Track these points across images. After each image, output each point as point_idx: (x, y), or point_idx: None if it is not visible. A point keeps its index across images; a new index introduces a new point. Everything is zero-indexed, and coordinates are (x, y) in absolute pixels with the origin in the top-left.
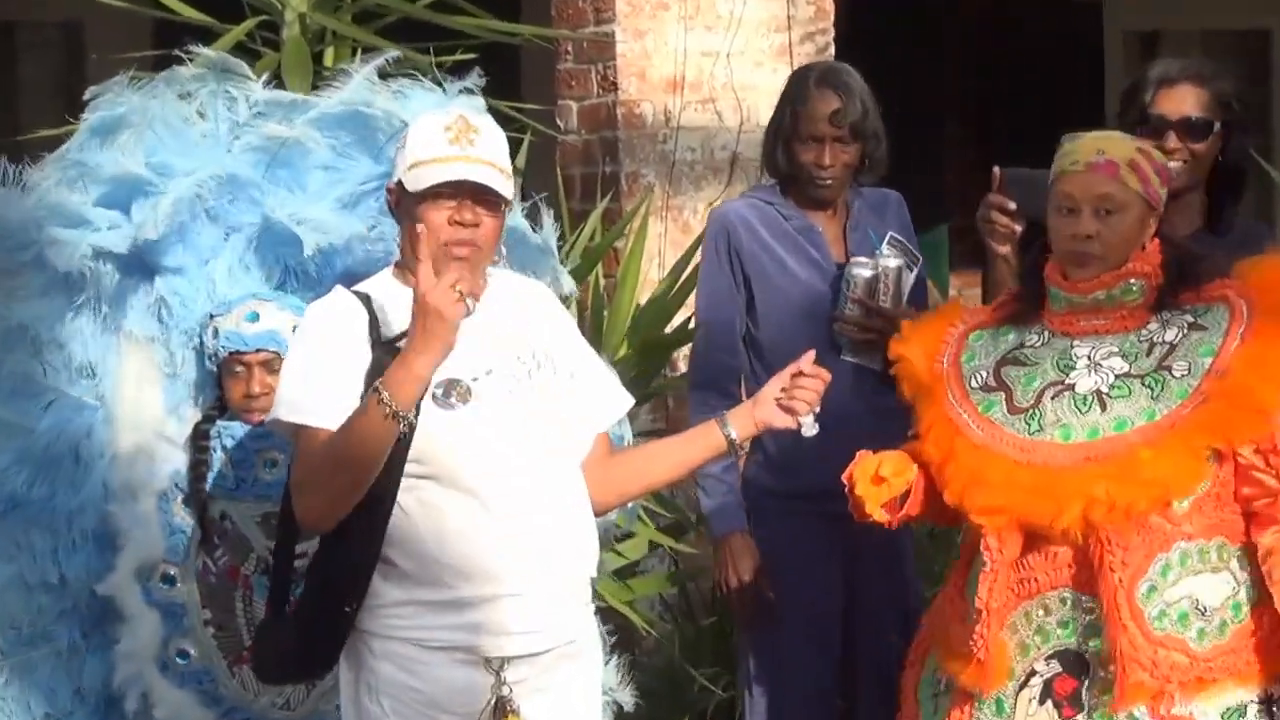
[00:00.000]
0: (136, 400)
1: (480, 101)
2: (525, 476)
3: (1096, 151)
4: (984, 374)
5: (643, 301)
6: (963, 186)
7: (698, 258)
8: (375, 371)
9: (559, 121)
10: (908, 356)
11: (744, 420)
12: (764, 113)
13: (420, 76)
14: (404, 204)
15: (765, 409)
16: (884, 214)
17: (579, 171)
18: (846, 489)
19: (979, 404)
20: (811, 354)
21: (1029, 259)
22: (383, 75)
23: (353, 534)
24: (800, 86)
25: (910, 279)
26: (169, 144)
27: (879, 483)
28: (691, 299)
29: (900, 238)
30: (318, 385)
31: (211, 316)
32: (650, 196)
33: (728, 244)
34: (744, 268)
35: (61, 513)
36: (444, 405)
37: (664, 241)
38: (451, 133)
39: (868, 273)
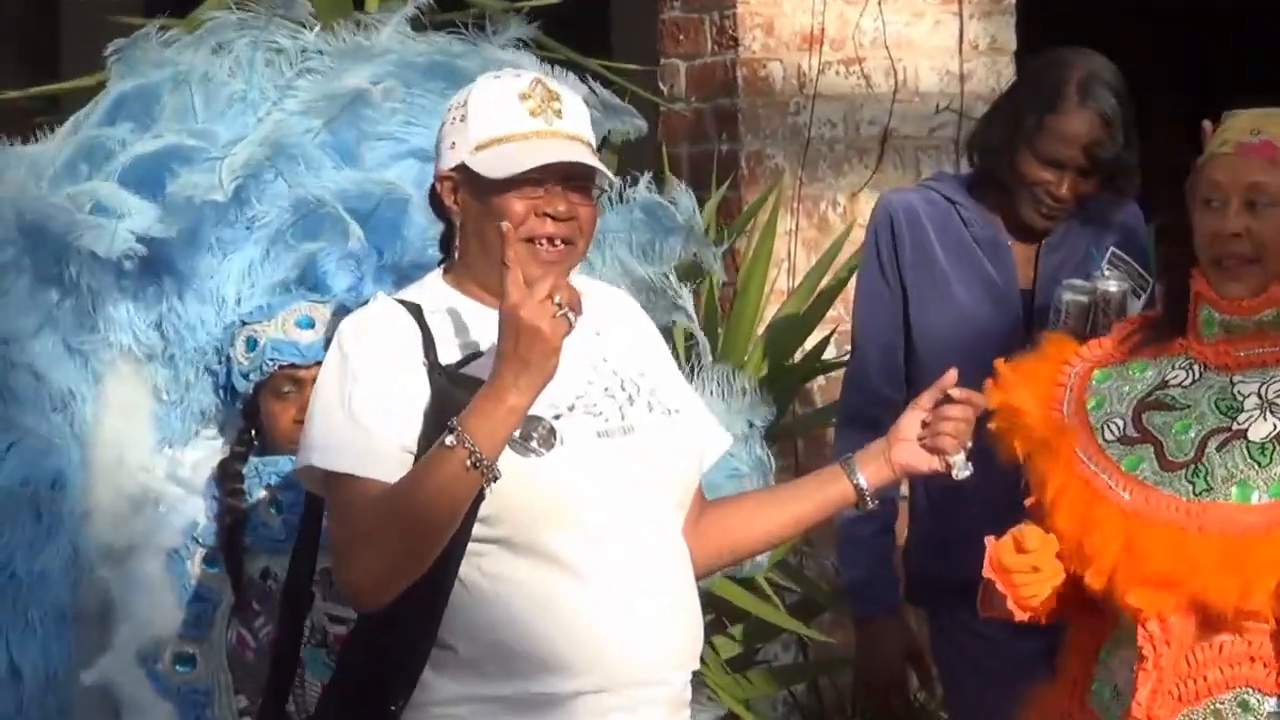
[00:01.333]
0: (120, 435)
1: (531, 59)
2: (621, 542)
3: (1251, 130)
4: (1120, 423)
5: (769, 317)
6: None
7: (840, 261)
8: (439, 408)
9: (662, 86)
10: (1016, 405)
11: (877, 463)
12: (924, 77)
13: (462, 28)
14: (468, 193)
15: (904, 449)
16: (1106, 228)
17: (687, 150)
18: (995, 581)
19: (1120, 460)
20: (954, 374)
21: (1171, 274)
22: (417, 26)
23: (401, 613)
24: (1055, 91)
25: (1137, 307)
26: (203, 110)
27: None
28: (832, 314)
29: (1123, 254)
30: (366, 423)
31: (243, 323)
32: (779, 184)
33: (891, 242)
34: (903, 277)
35: (14, 585)
36: (523, 451)
37: (795, 241)
38: (531, 101)
39: (1082, 298)
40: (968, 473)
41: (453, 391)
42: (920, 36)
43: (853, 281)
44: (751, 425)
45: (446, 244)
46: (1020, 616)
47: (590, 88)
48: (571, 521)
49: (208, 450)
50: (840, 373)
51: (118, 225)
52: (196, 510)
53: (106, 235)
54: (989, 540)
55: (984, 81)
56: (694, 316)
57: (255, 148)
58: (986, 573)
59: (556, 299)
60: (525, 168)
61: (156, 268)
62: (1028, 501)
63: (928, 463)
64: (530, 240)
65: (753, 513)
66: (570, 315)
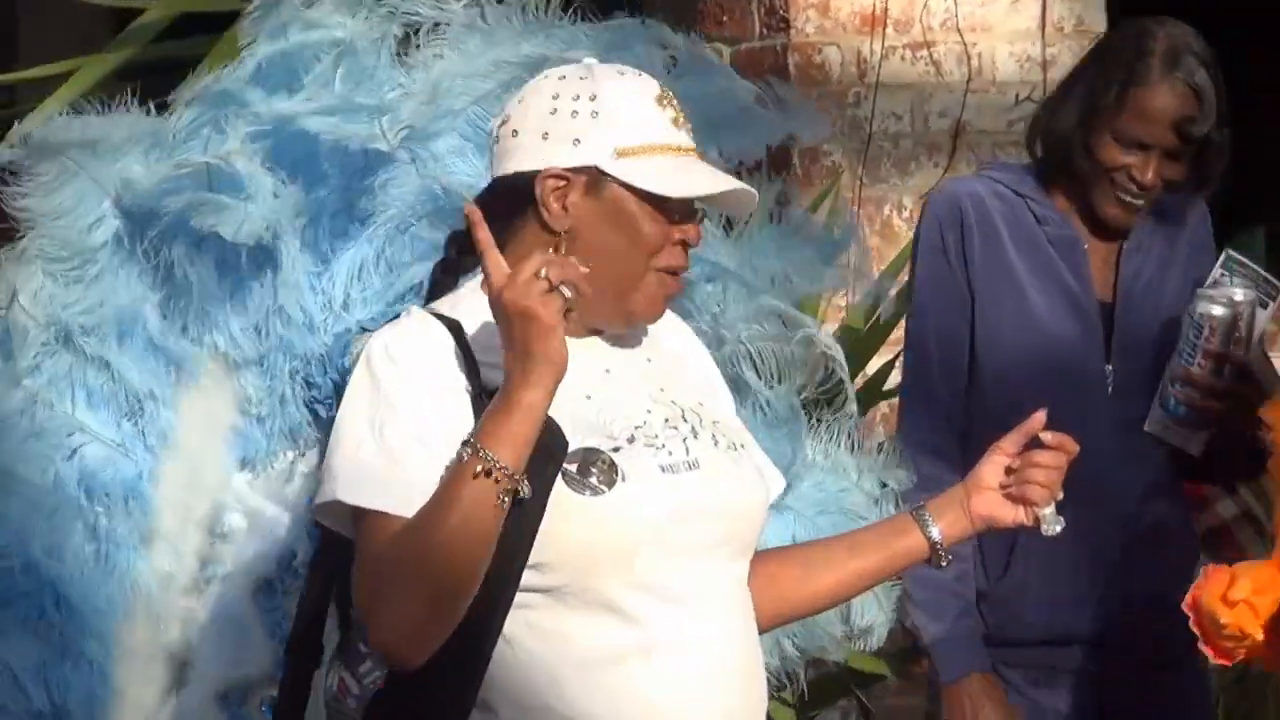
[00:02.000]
0: (198, 450)
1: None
2: (689, 595)
3: None
4: None
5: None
6: None
7: (907, 272)
8: None
9: (754, 89)
10: None
11: (954, 514)
12: (1002, 65)
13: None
14: (592, 200)
15: (985, 499)
16: (1179, 230)
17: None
18: (1191, 619)
19: None
20: (1042, 416)
21: None
22: None
23: (438, 671)
24: (1137, 62)
25: (1264, 318)
26: (340, 84)
27: (1231, 606)
28: (897, 335)
29: (1240, 257)
30: (401, 456)
31: (364, 329)
32: (836, 184)
33: (959, 237)
34: (970, 280)
35: (63, 613)
36: (581, 487)
37: (855, 249)
38: (670, 110)
39: (1221, 311)
40: (1059, 527)
41: None
42: (997, 18)
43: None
44: (884, 487)
45: (466, 242)
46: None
47: (767, 82)
48: (635, 569)
49: (290, 478)
50: None
51: (246, 208)
52: (296, 537)
53: (235, 216)
54: (1204, 569)
55: (1069, 68)
56: (838, 353)
57: (420, 104)
58: (1186, 608)
59: (543, 272)
60: (701, 191)
61: (263, 259)
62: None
63: (1013, 515)
64: (662, 271)
65: (806, 567)
66: (565, 289)
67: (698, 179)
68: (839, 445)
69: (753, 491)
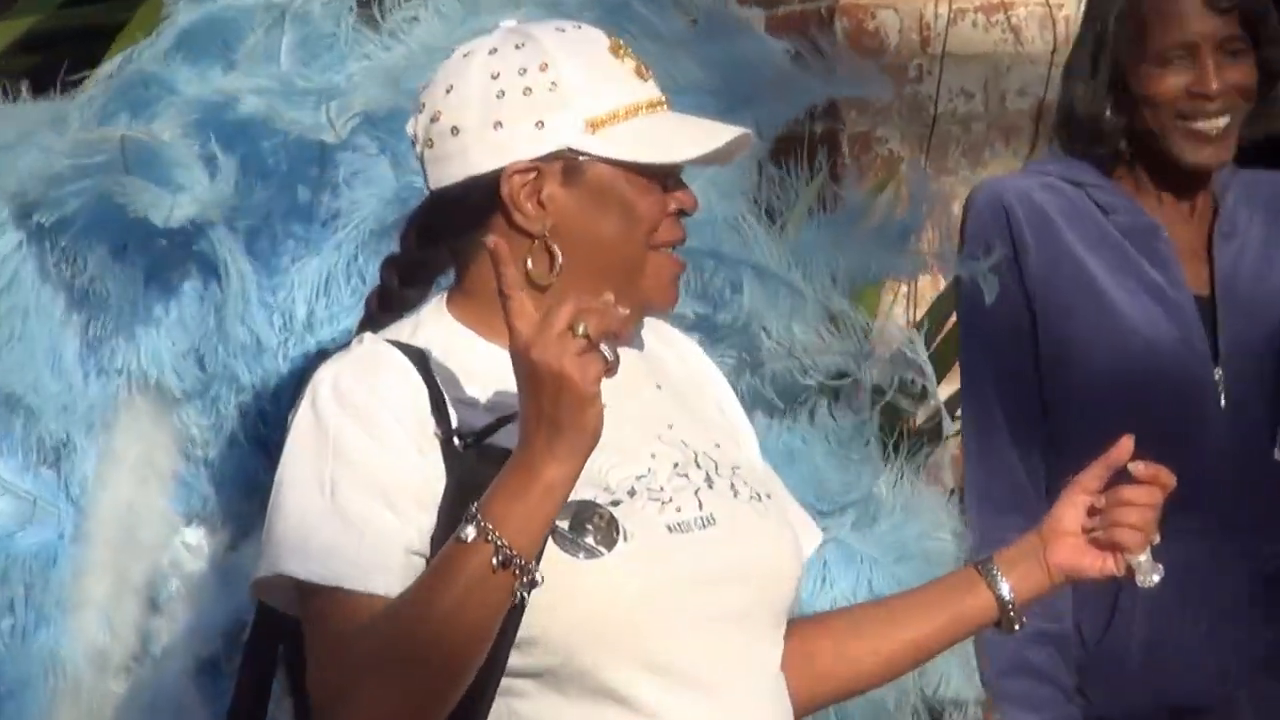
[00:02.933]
0: (132, 502)
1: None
2: (707, 679)
3: None
4: None
5: (885, 358)
6: None
7: None
8: (459, 494)
9: (789, 49)
10: None
11: (1026, 567)
12: None
13: None
14: (571, 190)
15: (1065, 547)
16: (1277, 207)
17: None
18: None
19: None
20: (1129, 444)
21: None
22: None
23: None
24: None
25: None
26: (288, 56)
27: None
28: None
29: None
30: (358, 518)
31: (322, 354)
32: (895, 178)
33: (1010, 245)
34: (1028, 291)
35: None
36: (575, 548)
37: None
38: (629, 60)
39: None
40: (1157, 577)
41: (479, 471)
42: None
43: None
44: (956, 537)
45: (411, 268)
46: None
47: (813, 39)
48: (643, 647)
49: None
50: None
51: (174, 198)
52: (244, 606)
53: (163, 199)
54: None
55: None
56: (920, 355)
57: (377, 88)
58: None
59: (581, 328)
60: (699, 150)
61: (201, 269)
62: None
63: (1100, 565)
64: (656, 248)
65: (850, 637)
66: (606, 349)
67: (689, 137)
68: (917, 476)
69: (782, 549)
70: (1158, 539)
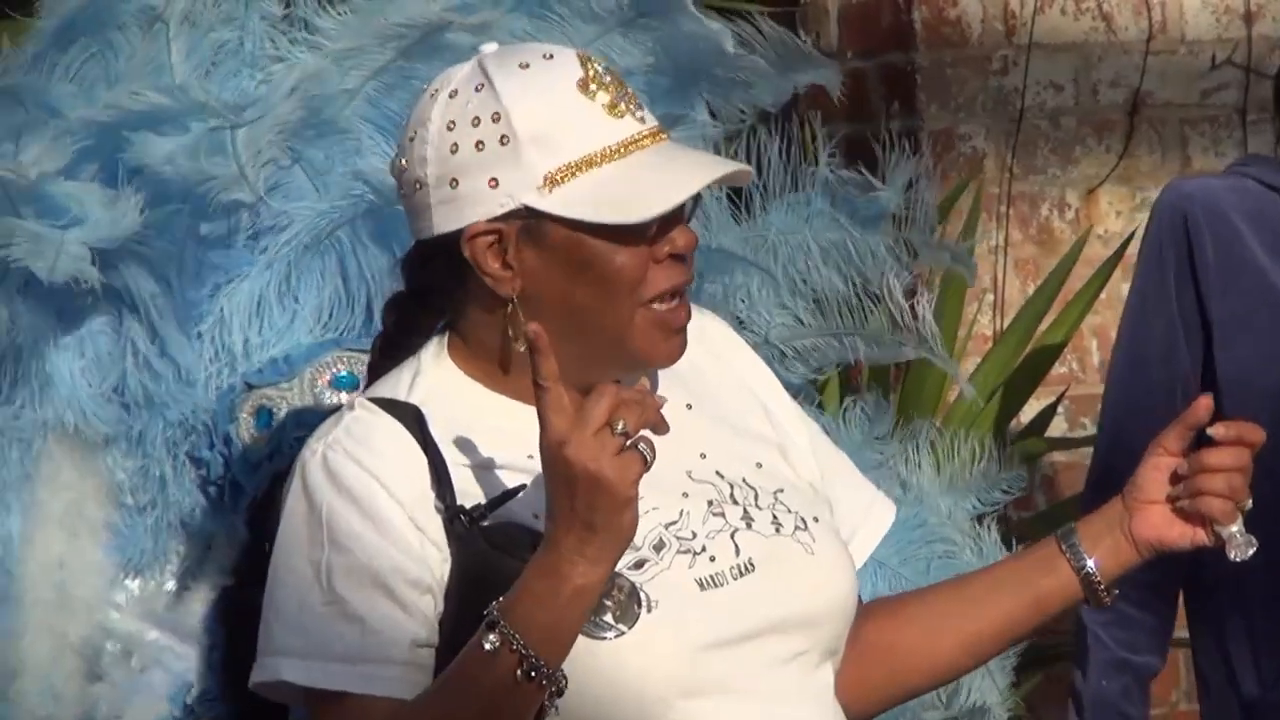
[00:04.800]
0: (61, 560)
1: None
2: None
3: None
4: None
5: (966, 374)
6: None
7: (1071, 289)
8: (469, 579)
9: (802, 34)
10: None
11: (1111, 539)
12: (1193, 17)
13: None
14: (537, 250)
15: (1150, 517)
16: None
17: (842, 129)
18: None
19: None
20: (1208, 402)
21: None
22: None
23: None
24: None
25: None
26: (182, 64)
27: None
28: (1060, 371)
29: None
30: (359, 611)
31: (249, 387)
32: (979, 177)
33: (1187, 253)
34: (1203, 303)
35: None
36: (593, 628)
37: (1003, 261)
38: (602, 93)
39: None
40: (1253, 548)
41: (488, 556)
42: None
43: (1091, 322)
44: (981, 520)
45: (399, 309)
46: None
47: (756, 27)
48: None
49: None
50: (1075, 456)
51: (64, 236)
52: (188, 666)
53: (48, 249)
54: None
55: None
56: (940, 349)
57: (287, 109)
58: None
59: (620, 425)
60: (672, 203)
61: (117, 301)
62: None
63: (1189, 535)
64: (652, 302)
65: (932, 623)
66: (645, 448)
67: (663, 186)
68: (918, 463)
69: (834, 588)
70: (1249, 505)
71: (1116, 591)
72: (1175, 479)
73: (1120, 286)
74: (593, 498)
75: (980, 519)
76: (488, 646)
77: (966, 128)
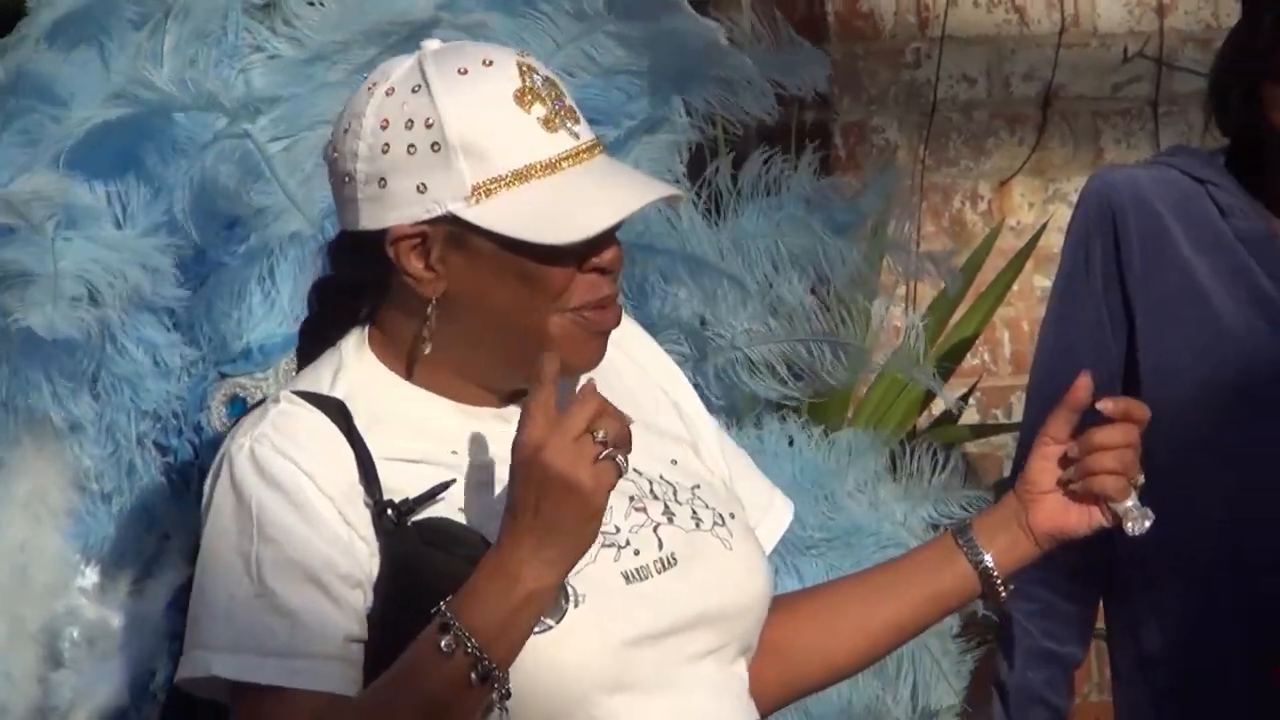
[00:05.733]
0: (24, 544)
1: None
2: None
3: None
4: None
5: (878, 368)
6: None
7: (983, 281)
8: (398, 573)
9: (722, 27)
10: None
11: (1008, 534)
12: (1105, 10)
13: None
14: (462, 257)
15: (1046, 506)
16: None
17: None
18: None
19: None
20: (1087, 381)
21: None
22: None
23: None
24: None
25: None
26: (170, 56)
27: None
28: (972, 364)
29: None
30: (290, 604)
31: (222, 375)
32: (891, 170)
33: (1113, 245)
34: (1127, 297)
35: None
36: None
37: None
38: (538, 105)
39: None
40: (1149, 521)
41: (419, 551)
42: None
43: (1003, 314)
44: (935, 520)
45: (324, 295)
46: None
47: (752, 19)
48: (596, 714)
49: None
50: (987, 447)
51: (60, 280)
52: (151, 653)
53: (42, 293)
54: None
55: (1194, 14)
56: (925, 364)
57: (281, 81)
58: None
59: (600, 433)
60: (596, 228)
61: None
62: None
63: (1086, 520)
64: (580, 309)
65: (829, 620)
66: (621, 457)
67: (589, 208)
68: (876, 471)
69: (751, 582)
70: (1142, 479)
71: (1012, 587)
72: (1065, 463)
73: (1033, 278)
74: (563, 503)
75: (935, 527)
76: (444, 646)
77: (879, 120)
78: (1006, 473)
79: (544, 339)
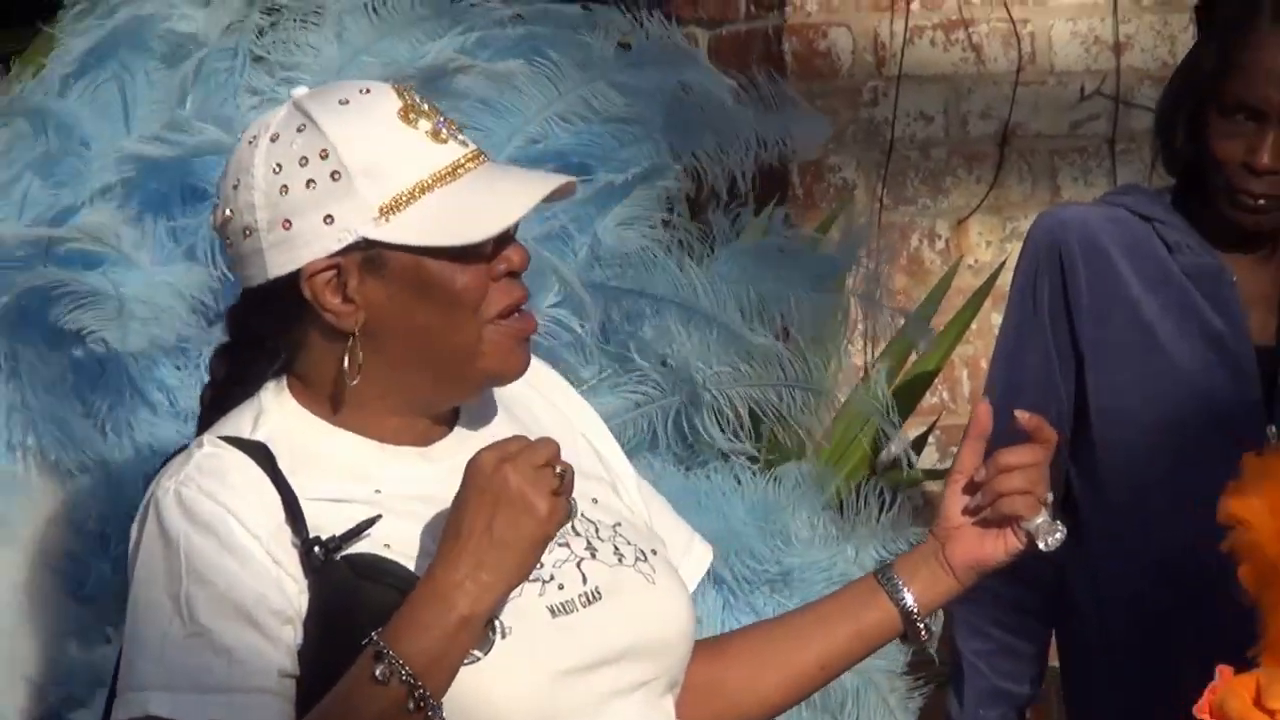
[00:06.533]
0: (25, 593)
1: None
2: None
3: None
4: None
5: (835, 408)
6: None
7: (942, 320)
8: (329, 609)
9: (732, 84)
10: (1245, 516)
11: (928, 571)
12: (1061, 48)
13: None
14: (377, 281)
15: (961, 540)
16: None
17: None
18: None
19: None
20: (986, 410)
21: None
22: None
23: None
24: (1246, 14)
25: None
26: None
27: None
28: (930, 402)
29: None
30: (223, 641)
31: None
32: (848, 209)
33: (1061, 283)
34: (1075, 335)
35: None
36: None
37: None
38: (424, 121)
39: None
40: (1060, 534)
41: (351, 581)
42: None
43: (962, 352)
44: (883, 558)
45: (231, 359)
46: None
47: (751, 77)
48: None
49: None
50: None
51: (125, 301)
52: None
53: (108, 309)
54: (1220, 670)
55: (1150, 52)
56: (889, 409)
57: None
58: (1199, 713)
59: (560, 469)
60: (507, 221)
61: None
62: (1250, 652)
63: (1002, 547)
64: (499, 318)
65: (756, 659)
66: (574, 500)
67: (495, 204)
68: (825, 506)
69: (676, 616)
70: (1051, 497)
71: (933, 629)
72: (973, 490)
73: (991, 316)
74: (517, 522)
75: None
76: (378, 676)
77: (837, 158)
78: None
79: (472, 352)
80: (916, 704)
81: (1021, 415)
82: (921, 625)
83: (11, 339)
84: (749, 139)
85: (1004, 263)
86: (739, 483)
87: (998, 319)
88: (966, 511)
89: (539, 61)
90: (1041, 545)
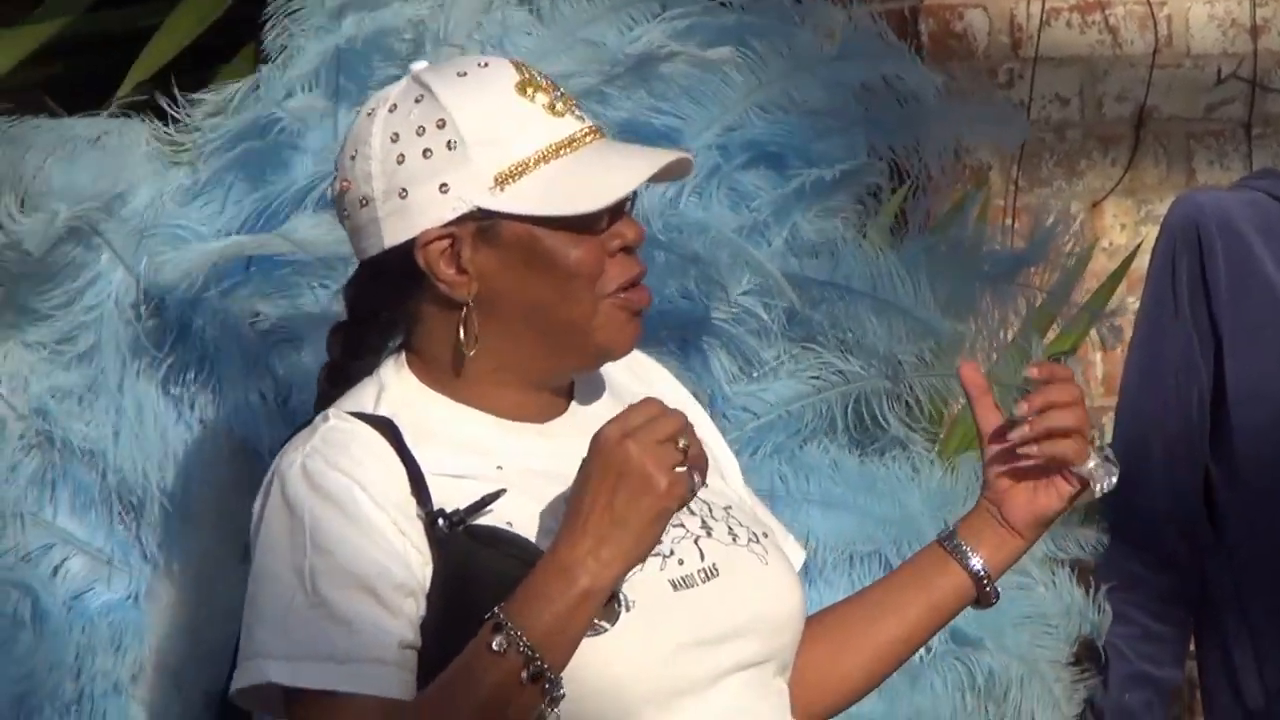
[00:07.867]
0: (205, 561)
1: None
2: None
3: None
4: None
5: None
6: None
7: (1076, 301)
8: (453, 579)
9: (939, 80)
10: None
11: (991, 533)
12: (1199, 31)
13: None
14: (491, 251)
15: (1018, 499)
16: None
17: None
18: None
19: None
20: (972, 364)
21: None
22: None
23: None
24: None
25: None
26: None
27: None
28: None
29: None
30: (346, 612)
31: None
32: (984, 191)
33: (1199, 266)
34: (1214, 318)
35: None
36: None
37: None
38: (541, 95)
39: None
40: (1114, 478)
41: (475, 553)
42: None
43: (1096, 337)
44: (1053, 554)
45: (347, 336)
46: None
47: (945, 77)
48: (652, 718)
49: None
50: None
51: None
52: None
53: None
54: None
55: None
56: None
57: None
58: None
59: (683, 443)
60: (620, 192)
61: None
62: None
63: (1057, 495)
64: (619, 293)
65: (838, 638)
66: (696, 476)
67: (610, 176)
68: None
69: (789, 595)
70: (1097, 435)
71: (1000, 591)
72: (1014, 457)
73: (1125, 299)
74: (639, 497)
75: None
76: (495, 647)
77: (972, 142)
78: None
79: (587, 325)
80: (1081, 695)
81: (1032, 367)
82: (991, 589)
83: (210, 322)
84: (948, 137)
85: (1139, 245)
86: (915, 471)
87: (1132, 302)
88: (1013, 471)
89: (744, 51)
90: (1097, 490)
